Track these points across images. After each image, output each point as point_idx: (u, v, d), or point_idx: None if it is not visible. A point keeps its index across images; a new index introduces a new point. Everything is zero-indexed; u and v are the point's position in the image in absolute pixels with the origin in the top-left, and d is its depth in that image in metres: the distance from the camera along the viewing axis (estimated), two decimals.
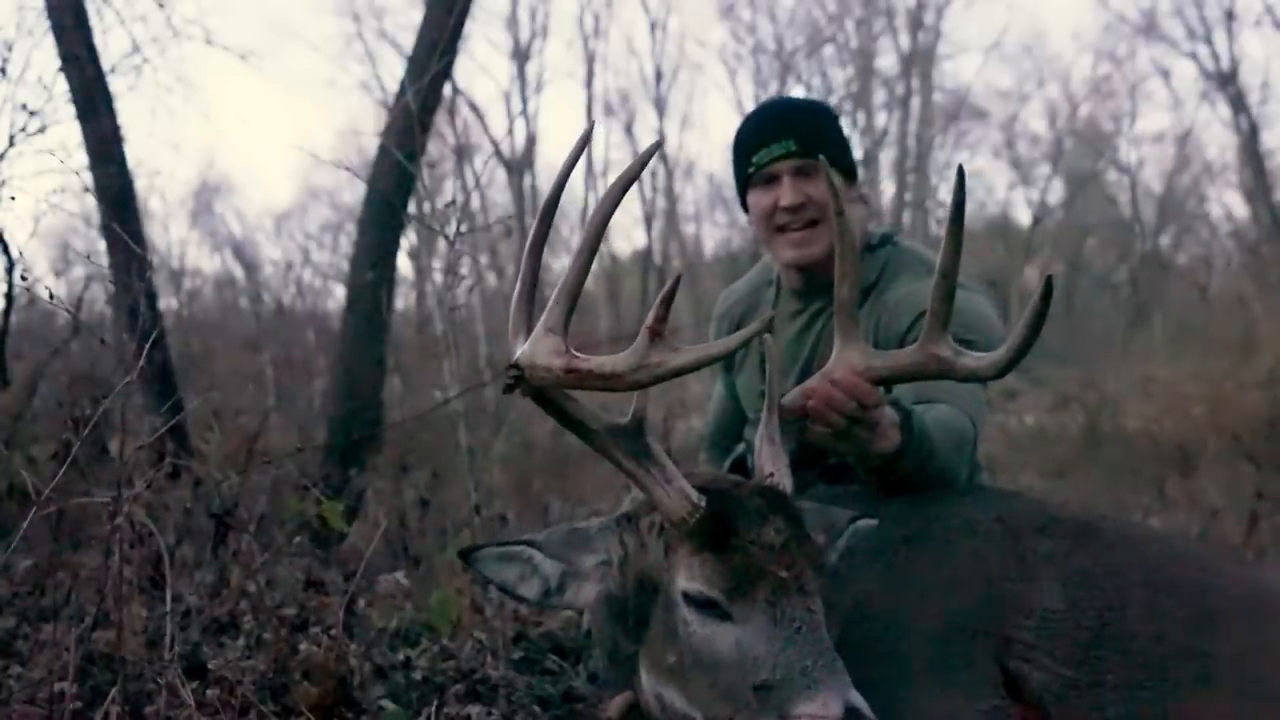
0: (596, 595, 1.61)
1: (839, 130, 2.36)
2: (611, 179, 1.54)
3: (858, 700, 1.35)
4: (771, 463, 1.68)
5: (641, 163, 1.55)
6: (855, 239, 1.80)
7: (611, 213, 1.52)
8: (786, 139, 2.24)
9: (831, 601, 1.54)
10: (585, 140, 1.65)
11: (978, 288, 2.27)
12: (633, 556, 1.59)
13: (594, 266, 1.60)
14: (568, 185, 1.64)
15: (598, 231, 1.52)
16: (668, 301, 1.45)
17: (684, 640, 1.48)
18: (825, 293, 2.25)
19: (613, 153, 23.06)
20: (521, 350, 1.51)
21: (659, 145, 1.61)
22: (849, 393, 1.71)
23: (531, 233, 1.61)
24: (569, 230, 21.76)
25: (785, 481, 1.66)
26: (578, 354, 1.49)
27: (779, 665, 1.39)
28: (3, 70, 5.12)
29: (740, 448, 2.37)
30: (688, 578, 1.49)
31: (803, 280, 2.37)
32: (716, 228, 24.68)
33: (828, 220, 2.25)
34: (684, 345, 1.50)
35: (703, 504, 1.51)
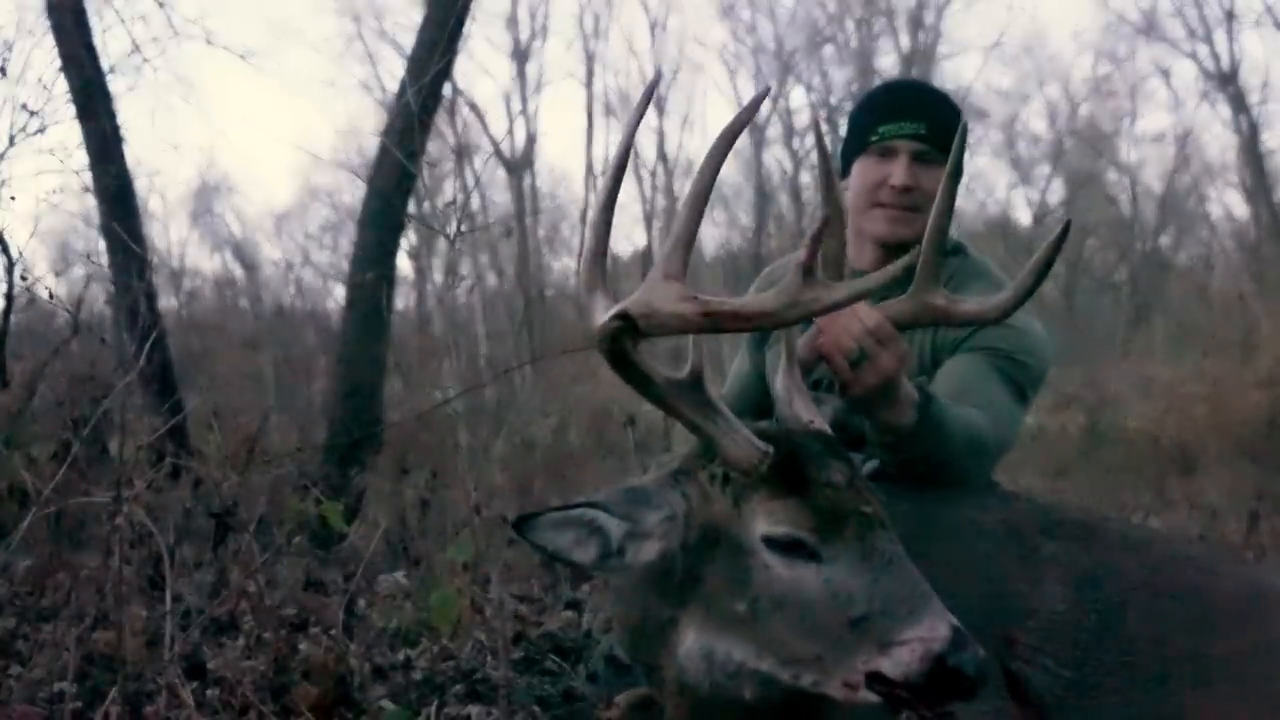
0: (658, 553, 1.55)
1: (964, 130, 2.40)
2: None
3: (958, 622, 1.36)
4: (807, 411, 1.68)
5: (751, 109, 1.54)
6: (845, 212, 1.80)
7: (724, 156, 1.48)
8: (918, 121, 2.25)
9: None
10: (653, 87, 1.65)
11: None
12: (696, 509, 1.56)
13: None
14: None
15: (711, 175, 1.48)
16: (818, 238, 1.42)
17: (762, 586, 1.47)
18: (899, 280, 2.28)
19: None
20: (633, 298, 1.45)
21: (767, 92, 1.60)
22: (855, 313, 1.69)
23: (603, 191, 1.57)
24: (569, 230, 21.74)
25: (825, 427, 1.66)
26: (708, 297, 1.46)
27: (876, 597, 1.39)
28: (3, 70, 5.12)
29: (762, 425, 2.35)
30: (770, 522, 1.47)
31: (880, 259, 2.35)
32: (716, 228, 24.64)
33: (927, 210, 2.27)
34: (837, 283, 1.47)
35: (771, 451, 1.51)
